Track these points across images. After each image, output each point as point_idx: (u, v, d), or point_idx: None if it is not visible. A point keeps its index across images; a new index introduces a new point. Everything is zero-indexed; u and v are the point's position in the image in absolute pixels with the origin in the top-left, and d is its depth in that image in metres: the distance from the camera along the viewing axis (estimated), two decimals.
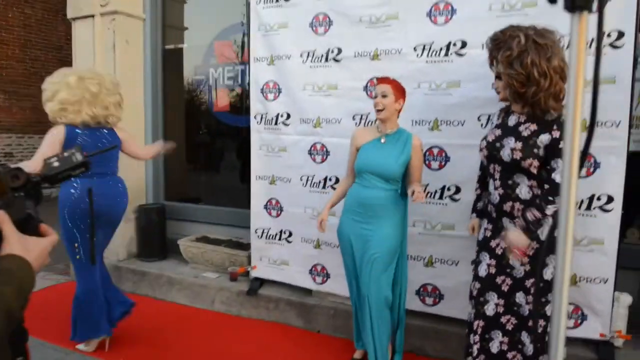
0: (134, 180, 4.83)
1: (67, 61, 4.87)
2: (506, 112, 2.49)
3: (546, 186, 2.27)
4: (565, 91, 1.89)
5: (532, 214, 2.24)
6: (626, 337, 2.89)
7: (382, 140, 2.77)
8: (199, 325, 3.80)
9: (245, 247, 4.24)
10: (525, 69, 2.21)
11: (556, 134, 2.23)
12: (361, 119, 3.40)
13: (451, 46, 3.10)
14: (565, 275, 0.85)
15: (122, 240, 4.71)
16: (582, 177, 2.86)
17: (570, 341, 3.01)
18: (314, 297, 3.77)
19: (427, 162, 3.23)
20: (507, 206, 2.39)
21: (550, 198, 2.22)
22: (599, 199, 2.82)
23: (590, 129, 0.99)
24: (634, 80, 2.70)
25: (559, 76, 2.21)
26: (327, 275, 3.70)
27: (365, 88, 3.39)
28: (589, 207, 2.85)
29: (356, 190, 2.83)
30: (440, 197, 3.24)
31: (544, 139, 2.26)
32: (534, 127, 2.30)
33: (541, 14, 2.85)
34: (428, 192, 3.25)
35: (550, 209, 2.21)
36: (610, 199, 2.80)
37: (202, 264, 4.39)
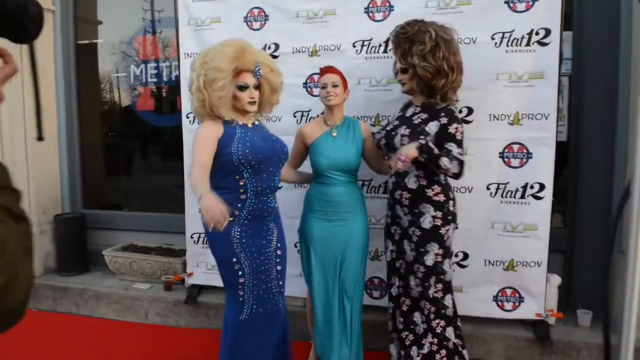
0: (47, 187, 4.41)
1: None
2: (406, 106, 2.69)
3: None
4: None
5: (433, 146, 2.38)
6: (558, 315, 3.10)
7: (334, 134, 2.71)
8: (132, 339, 3.53)
9: (178, 253, 4.01)
10: (437, 61, 2.40)
11: (444, 120, 2.44)
12: (302, 115, 3.34)
13: (390, 42, 3.13)
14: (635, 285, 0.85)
15: (37, 256, 4.27)
16: (516, 168, 3.02)
17: (509, 322, 3.18)
18: None
19: None
20: (397, 194, 2.58)
21: (453, 158, 2.37)
22: (532, 187, 2.99)
23: None
24: (560, 75, 2.90)
25: (459, 70, 2.49)
26: None
27: (305, 84, 3.34)
28: (523, 196, 3.01)
29: (318, 189, 2.72)
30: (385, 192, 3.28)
31: (433, 126, 2.47)
32: (424, 115, 2.51)
33: (474, 12, 2.98)
34: (372, 187, 3.27)
35: (444, 161, 2.34)
36: (542, 187, 2.98)
37: (131, 274, 4.10)
